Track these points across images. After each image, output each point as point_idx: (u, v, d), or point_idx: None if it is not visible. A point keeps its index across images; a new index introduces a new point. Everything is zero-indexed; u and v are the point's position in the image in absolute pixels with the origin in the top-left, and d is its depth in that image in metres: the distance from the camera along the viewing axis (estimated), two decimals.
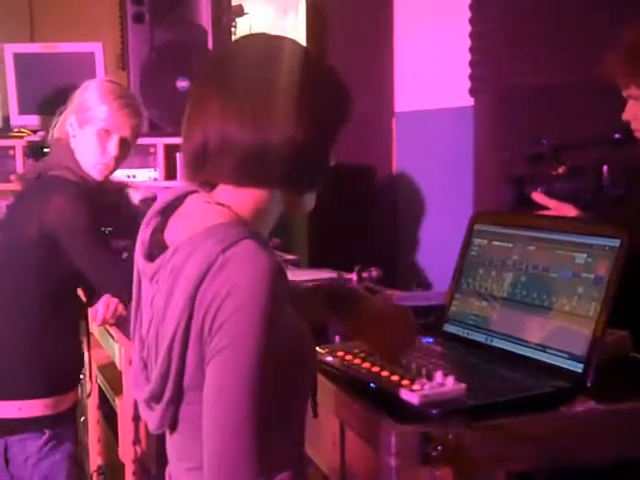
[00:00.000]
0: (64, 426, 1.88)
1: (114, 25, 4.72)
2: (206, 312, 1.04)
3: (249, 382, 1.02)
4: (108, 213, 2.10)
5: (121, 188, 2.52)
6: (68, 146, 1.95)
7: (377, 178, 2.97)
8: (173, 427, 1.14)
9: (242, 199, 1.13)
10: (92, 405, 2.52)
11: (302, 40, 3.56)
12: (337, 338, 1.73)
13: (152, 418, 1.15)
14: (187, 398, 1.10)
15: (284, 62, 1.13)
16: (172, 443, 1.19)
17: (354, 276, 2.05)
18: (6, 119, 2.96)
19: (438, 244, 2.54)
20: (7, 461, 1.81)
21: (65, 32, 3.93)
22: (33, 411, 1.81)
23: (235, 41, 1.22)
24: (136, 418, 2.10)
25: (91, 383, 2.30)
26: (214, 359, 1.04)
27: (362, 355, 1.43)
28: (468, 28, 2.61)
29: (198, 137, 1.13)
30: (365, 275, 2.05)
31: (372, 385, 1.33)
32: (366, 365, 1.39)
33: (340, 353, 1.46)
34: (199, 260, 1.05)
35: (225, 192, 1.14)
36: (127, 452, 2.11)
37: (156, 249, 1.16)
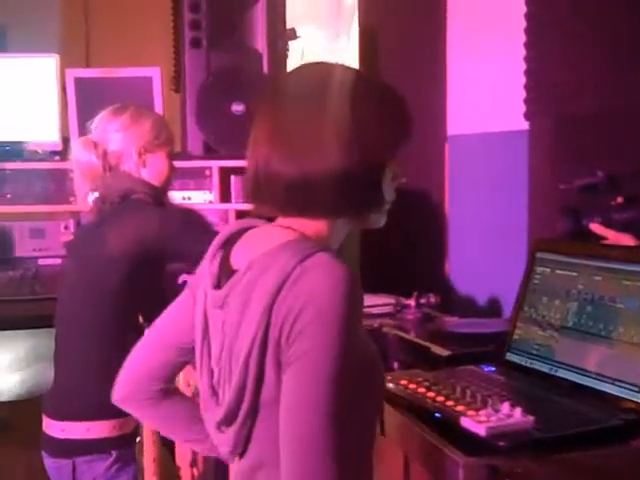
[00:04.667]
0: (129, 447, 1.90)
1: (167, 49, 4.82)
2: (284, 321, 1.04)
3: (328, 387, 1.01)
4: None
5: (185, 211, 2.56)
6: (129, 173, 2.00)
7: (429, 202, 2.96)
8: (245, 450, 1.14)
9: (304, 224, 1.14)
10: (148, 426, 2.54)
11: (354, 64, 3.58)
12: (395, 364, 1.73)
13: (225, 441, 1.15)
14: (263, 413, 1.09)
15: (334, 92, 1.13)
16: (240, 469, 1.19)
17: (412, 302, 2.05)
18: (66, 141, 3.03)
19: (491, 270, 2.52)
20: None
21: (118, 56, 4.02)
22: (100, 432, 1.83)
23: (290, 71, 1.23)
24: None
25: None
26: (292, 366, 1.04)
27: (426, 384, 1.43)
28: (523, 51, 2.61)
29: (252, 166, 1.15)
30: (423, 301, 2.05)
31: (437, 415, 1.33)
32: (430, 394, 1.39)
33: (403, 381, 1.46)
34: (276, 272, 1.06)
35: (287, 219, 1.16)
36: (185, 474, 2.13)
37: (224, 277, 1.17)
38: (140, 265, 1.86)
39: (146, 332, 1.36)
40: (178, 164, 2.92)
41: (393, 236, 2.97)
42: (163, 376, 1.27)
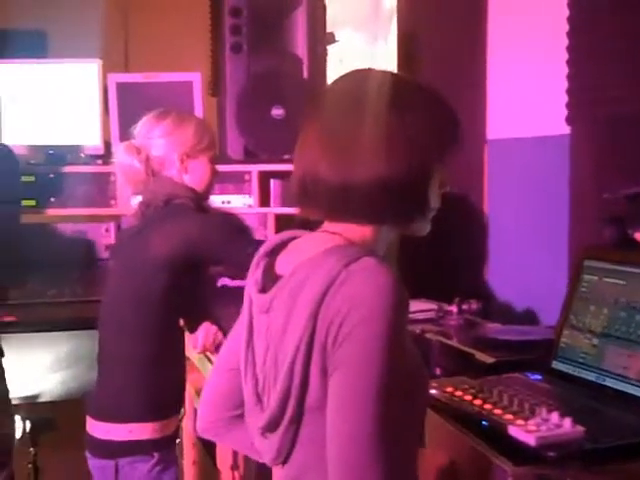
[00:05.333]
0: (171, 449, 1.92)
1: (204, 53, 4.86)
2: (329, 325, 1.04)
3: (375, 392, 1.01)
4: None
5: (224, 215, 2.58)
6: (171, 179, 2.01)
7: (468, 206, 2.94)
8: (289, 456, 1.14)
9: (350, 229, 1.14)
10: (188, 428, 2.56)
11: (393, 68, 3.57)
12: (438, 370, 1.72)
13: (268, 447, 1.15)
14: (308, 419, 1.09)
15: (381, 98, 1.13)
16: (284, 475, 1.19)
17: (454, 308, 2.04)
18: (108, 145, 3.06)
19: (531, 277, 2.50)
20: None
21: (156, 61, 4.06)
22: (143, 434, 1.84)
23: (339, 77, 1.24)
24: None
25: (186, 406, 2.34)
26: (338, 370, 1.03)
27: (472, 391, 1.43)
28: (565, 55, 2.58)
29: (299, 171, 1.16)
30: (465, 307, 2.04)
31: (484, 423, 1.32)
32: (477, 402, 1.38)
33: (449, 389, 1.46)
34: (321, 276, 1.06)
35: (333, 224, 1.16)
36: (226, 477, 2.14)
37: (269, 283, 1.18)
38: (182, 270, 1.88)
39: (216, 357, 1.36)
40: (218, 168, 2.95)
41: (432, 241, 2.96)
42: (237, 400, 1.25)
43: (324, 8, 3.02)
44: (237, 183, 2.93)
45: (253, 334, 1.20)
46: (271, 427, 1.13)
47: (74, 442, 2.67)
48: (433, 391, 1.45)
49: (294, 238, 1.21)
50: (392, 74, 1.21)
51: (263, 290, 1.18)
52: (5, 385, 2.15)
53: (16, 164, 2.22)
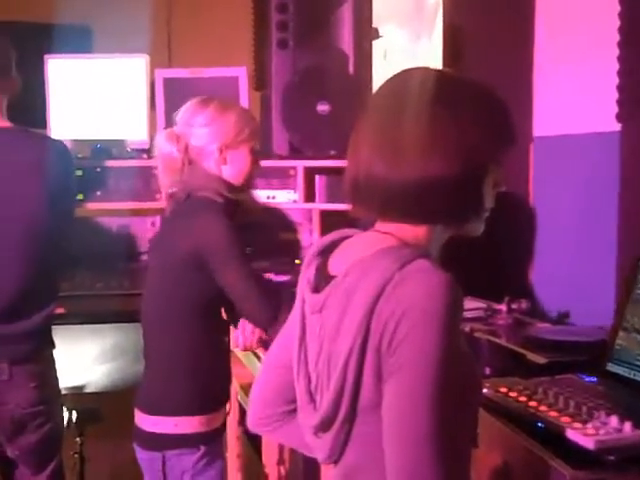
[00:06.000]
0: (217, 443, 1.93)
1: (247, 48, 4.88)
2: (384, 328, 1.04)
3: (432, 394, 1.01)
4: (250, 233, 2.13)
5: (262, 208, 2.57)
6: (206, 170, 1.96)
7: (515, 205, 2.91)
8: (341, 455, 1.14)
9: (402, 230, 1.14)
10: (232, 422, 2.58)
11: (437, 64, 3.54)
12: (487, 370, 1.71)
13: (322, 446, 1.15)
14: (361, 419, 1.09)
15: (436, 97, 1.13)
16: (338, 474, 1.19)
17: (503, 307, 2.02)
18: (153, 140, 3.08)
19: (580, 276, 2.46)
20: (165, 475, 1.87)
21: (199, 56, 4.08)
22: (188, 428, 1.86)
23: (392, 75, 1.23)
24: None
25: (231, 400, 2.35)
26: (395, 375, 1.03)
27: (527, 392, 1.41)
28: (616, 51, 2.54)
29: (352, 170, 1.16)
30: (514, 306, 2.02)
31: (540, 425, 1.31)
32: (533, 403, 1.37)
33: (503, 389, 1.45)
34: (375, 278, 1.06)
35: (385, 224, 1.15)
36: (272, 472, 2.15)
37: (322, 282, 1.18)
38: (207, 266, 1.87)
39: (266, 354, 1.36)
40: (263, 164, 2.95)
41: (480, 239, 2.94)
42: (289, 397, 1.25)
43: (370, 3, 3.01)
44: (282, 178, 2.94)
45: (306, 333, 1.20)
46: (324, 427, 1.14)
47: (119, 432, 2.71)
48: (486, 391, 1.44)
49: (346, 237, 1.21)
50: (445, 72, 1.20)
51: (316, 290, 1.18)
52: (56, 376, 2.18)
53: (72, 161, 2.24)
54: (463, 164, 1.11)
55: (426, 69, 1.20)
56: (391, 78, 1.21)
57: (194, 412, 1.87)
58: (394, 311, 1.03)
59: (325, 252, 1.21)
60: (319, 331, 1.17)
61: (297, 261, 2.93)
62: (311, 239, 3.02)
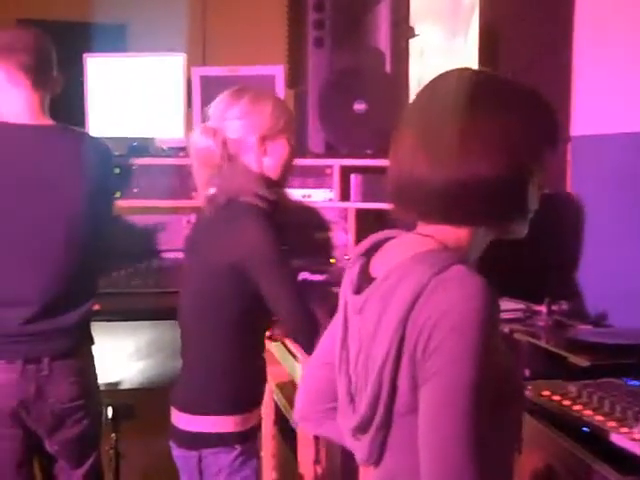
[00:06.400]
0: (252, 442, 1.93)
1: (281, 46, 4.88)
2: (419, 334, 1.04)
3: (467, 402, 1.01)
4: (285, 232, 2.10)
5: (297, 207, 2.57)
6: (246, 168, 1.92)
7: (551, 205, 2.88)
8: (380, 458, 1.14)
9: (444, 232, 1.13)
10: (267, 421, 2.58)
11: (473, 63, 3.52)
12: (527, 372, 1.69)
13: (360, 448, 1.16)
14: (397, 423, 1.09)
15: (479, 98, 1.12)
16: (377, 476, 1.19)
17: (543, 308, 2.00)
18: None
19: (622, 278, 2.43)
20: (201, 472, 1.88)
21: (233, 54, 4.10)
22: (225, 427, 1.86)
23: (435, 77, 1.22)
24: (317, 439, 2.13)
25: (265, 399, 2.35)
26: (430, 381, 1.03)
27: (571, 396, 1.40)
28: None
29: (394, 171, 1.15)
30: (555, 307, 2.00)
31: (585, 429, 1.29)
32: (577, 407, 1.35)
33: (546, 392, 1.43)
34: (411, 284, 1.06)
35: (427, 226, 1.15)
36: (307, 471, 2.15)
37: (364, 283, 1.18)
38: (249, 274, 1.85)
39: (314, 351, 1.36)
40: (299, 162, 2.95)
41: (519, 240, 2.91)
42: (334, 394, 1.25)
43: (407, 1, 2.99)
44: (318, 177, 2.93)
45: (348, 334, 1.21)
46: (361, 429, 1.14)
47: (153, 429, 2.72)
48: (528, 394, 1.42)
49: (390, 238, 1.21)
50: (488, 73, 1.19)
51: (358, 291, 1.18)
52: (95, 372, 2.20)
53: (111, 159, 2.26)
54: (507, 165, 1.10)
55: (469, 70, 1.19)
56: (434, 79, 1.20)
57: (231, 412, 1.87)
58: (429, 317, 1.04)
59: (369, 252, 1.21)
60: (359, 333, 1.17)
61: (332, 260, 2.93)
62: (346, 238, 3.01)
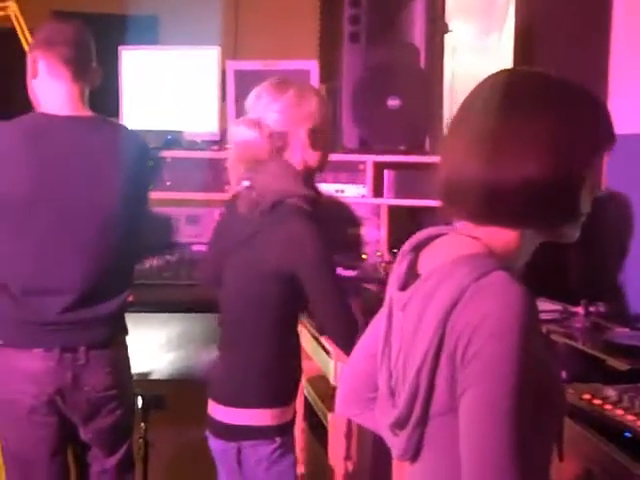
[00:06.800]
0: (290, 436, 1.94)
1: (312, 41, 4.88)
2: (458, 340, 1.04)
3: (508, 411, 1.00)
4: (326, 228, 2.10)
5: (331, 202, 2.56)
6: (290, 166, 1.88)
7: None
8: (417, 455, 1.15)
9: (492, 234, 1.12)
10: (297, 415, 2.58)
11: (508, 61, 3.49)
12: (564, 374, 1.68)
13: (397, 444, 1.16)
14: (434, 423, 1.09)
15: (531, 99, 1.10)
16: (413, 472, 1.19)
17: (580, 309, 1.99)
18: (224, 132, 3.11)
19: None
20: (240, 464, 1.88)
21: (264, 48, 4.10)
22: (265, 420, 1.86)
23: (485, 78, 1.21)
24: (348, 434, 2.13)
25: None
26: (470, 388, 1.03)
27: (613, 400, 1.39)
28: None
29: (444, 170, 1.15)
30: (592, 309, 1.98)
31: (627, 434, 1.28)
32: (619, 412, 1.34)
33: (586, 396, 1.42)
34: (451, 288, 1.06)
35: (475, 227, 1.14)
36: (338, 467, 2.15)
37: (410, 279, 1.18)
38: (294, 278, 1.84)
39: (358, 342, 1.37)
40: (333, 157, 2.94)
41: (554, 242, 2.88)
42: (375, 384, 1.25)
43: None
44: (351, 173, 2.93)
45: (391, 328, 1.21)
46: (399, 425, 1.14)
47: (182, 419, 2.75)
48: (569, 397, 1.41)
49: (439, 235, 1.20)
50: (542, 74, 1.17)
51: (403, 287, 1.18)
52: (129, 362, 2.22)
53: (148, 152, 2.28)
54: (559, 167, 1.08)
55: (518, 70, 1.19)
56: (485, 79, 1.19)
57: (270, 405, 1.88)
58: (468, 323, 1.03)
59: (418, 248, 1.21)
60: (401, 329, 1.17)
61: (363, 256, 2.92)
62: (378, 234, 3.01)
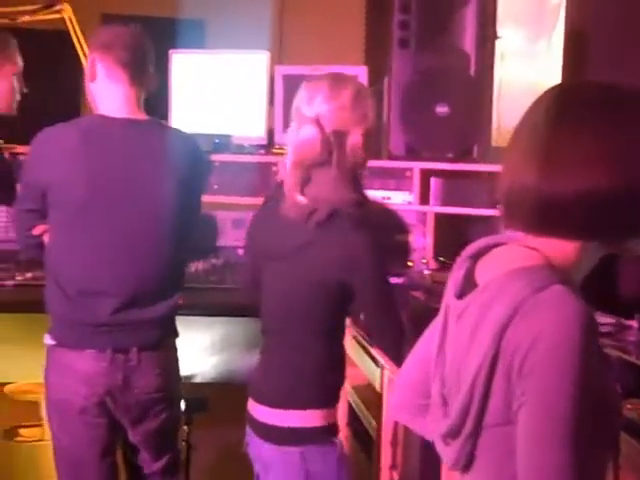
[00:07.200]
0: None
1: (357, 46, 4.88)
2: (514, 353, 1.03)
3: (566, 427, 0.99)
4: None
5: (382, 209, 2.54)
6: (344, 171, 1.78)
7: None
8: (468, 465, 1.14)
9: (552, 245, 1.11)
10: (341, 422, 2.57)
11: (557, 68, 3.45)
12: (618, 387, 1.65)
13: (448, 454, 1.16)
14: (486, 435, 1.09)
15: (597, 110, 1.09)
16: None
17: (635, 323, 1.95)
18: (271, 136, 3.12)
19: None
20: (304, 468, 1.82)
21: (309, 52, 4.10)
22: (323, 420, 1.83)
23: (550, 87, 1.20)
24: (394, 442, 2.12)
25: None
26: (527, 404, 1.02)
27: None
28: None
29: (506, 180, 1.14)
30: None
31: None
32: None
33: None
34: (508, 300, 1.05)
35: (535, 238, 1.13)
36: (384, 475, 2.14)
37: (467, 288, 1.17)
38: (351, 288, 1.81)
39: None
40: (379, 163, 2.93)
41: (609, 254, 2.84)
42: (428, 391, 1.25)
43: (495, 3, 2.95)
44: (398, 179, 2.92)
45: (446, 336, 1.21)
46: (451, 435, 1.14)
47: (225, 423, 2.75)
48: (629, 414, 1.39)
49: (498, 245, 1.19)
50: (607, 84, 1.16)
51: (460, 295, 1.18)
52: (178, 365, 2.23)
53: (202, 156, 2.29)
54: (627, 179, 1.07)
55: (589, 81, 1.18)
56: (551, 88, 1.18)
57: (325, 405, 1.85)
58: (524, 338, 1.02)
59: (476, 256, 1.20)
60: (456, 338, 1.17)
61: (409, 263, 2.91)
62: (424, 242, 2.99)
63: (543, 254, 1.11)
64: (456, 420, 1.11)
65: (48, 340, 2.11)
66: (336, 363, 1.92)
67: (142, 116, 2.14)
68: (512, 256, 1.13)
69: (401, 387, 1.36)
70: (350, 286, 1.81)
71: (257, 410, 1.91)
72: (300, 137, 1.77)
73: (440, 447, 1.18)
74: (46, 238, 2.13)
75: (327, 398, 1.88)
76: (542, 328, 1.01)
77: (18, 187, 2.13)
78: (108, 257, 2.06)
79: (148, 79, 2.16)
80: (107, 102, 2.12)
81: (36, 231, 2.13)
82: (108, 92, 2.12)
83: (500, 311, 1.05)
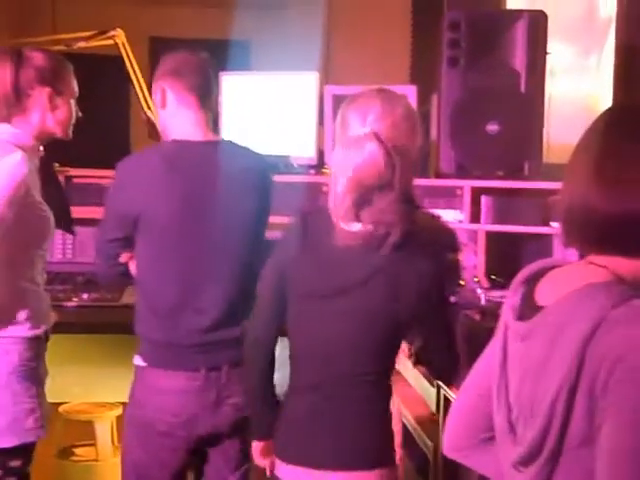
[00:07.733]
0: None
1: (403, 65, 4.90)
2: (599, 368, 1.02)
3: None
4: None
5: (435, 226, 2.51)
6: (404, 192, 1.66)
7: None
8: None
9: (620, 262, 1.10)
10: (396, 443, 2.56)
11: (608, 83, 3.42)
12: None
13: None
14: (567, 456, 1.06)
15: None
16: None
17: None
18: (321, 156, 3.13)
19: None
20: None
21: (355, 73, 4.12)
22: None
23: (609, 107, 1.21)
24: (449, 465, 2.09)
25: None
26: (613, 418, 1.01)
27: None
28: None
29: (567, 200, 1.14)
30: None
31: None
32: None
33: None
34: (588, 316, 1.04)
35: (599, 256, 1.12)
36: None
37: (527, 311, 1.17)
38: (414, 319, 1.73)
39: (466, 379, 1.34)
40: (430, 182, 2.92)
41: None
42: (484, 425, 1.25)
43: (546, 20, 2.93)
44: (448, 198, 2.91)
45: (507, 360, 1.20)
46: (526, 461, 1.11)
47: None
48: None
49: (553, 267, 1.19)
50: None
51: (521, 317, 1.17)
52: None
53: (271, 176, 2.30)
54: None
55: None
56: (609, 109, 1.19)
57: (393, 462, 1.75)
58: (609, 353, 1.01)
59: (532, 280, 1.19)
60: (521, 360, 1.15)
61: (461, 282, 2.88)
62: (475, 260, 2.97)
63: (612, 271, 1.10)
64: (532, 446, 1.09)
65: (138, 361, 2.12)
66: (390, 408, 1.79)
67: (215, 137, 2.18)
68: (580, 274, 1.12)
69: (455, 423, 1.33)
70: (417, 318, 1.71)
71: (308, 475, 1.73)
72: (363, 154, 1.62)
73: (510, 475, 1.16)
74: (131, 264, 2.15)
75: (391, 454, 1.77)
76: (629, 342, 1.01)
77: (103, 216, 2.15)
78: (199, 278, 2.08)
79: (213, 103, 2.20)
80: (180, 127, 2.14)
81: (123, 259, 2.15)
82: (180, 117, 2.15)
83: (580, 327, 1.04)
